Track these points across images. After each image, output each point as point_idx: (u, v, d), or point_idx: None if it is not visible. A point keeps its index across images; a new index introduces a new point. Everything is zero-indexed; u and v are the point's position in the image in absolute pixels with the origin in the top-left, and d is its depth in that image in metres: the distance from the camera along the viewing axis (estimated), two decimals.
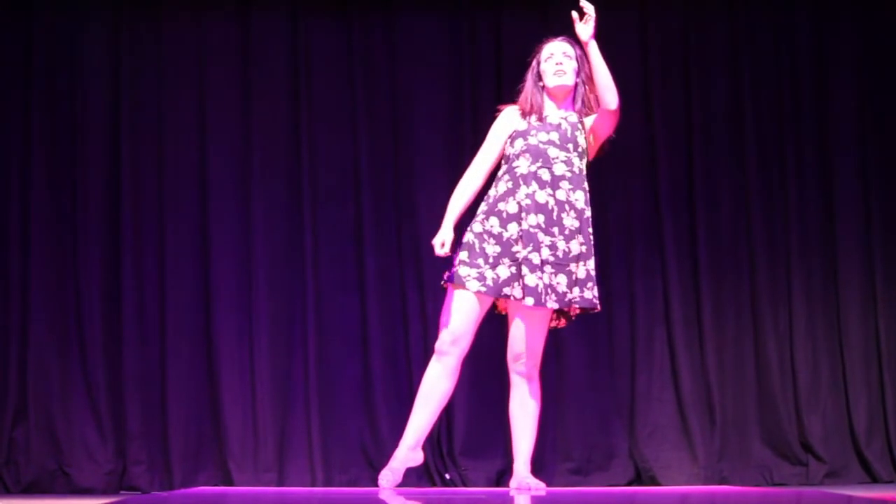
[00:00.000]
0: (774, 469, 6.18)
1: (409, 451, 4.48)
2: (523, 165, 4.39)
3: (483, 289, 4.37)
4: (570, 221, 4.37)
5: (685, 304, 6.30)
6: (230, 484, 6.08)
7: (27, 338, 6.16)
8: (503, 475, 6.08)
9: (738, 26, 6.46)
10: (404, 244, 6.32)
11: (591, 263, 4.41)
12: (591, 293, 4.41)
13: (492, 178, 4.62)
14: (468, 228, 4.56)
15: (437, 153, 6.36)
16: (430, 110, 6.40)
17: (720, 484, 6.07)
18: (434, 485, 6.06)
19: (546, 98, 4.52)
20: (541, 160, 4.38)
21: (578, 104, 4.50)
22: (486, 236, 4.41)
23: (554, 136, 4.41)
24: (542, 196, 4.35)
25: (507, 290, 4.37)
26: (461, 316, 4.41)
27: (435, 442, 6.13)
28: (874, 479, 6.12)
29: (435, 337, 6.16)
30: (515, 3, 6.46)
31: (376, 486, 6.05)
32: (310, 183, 6.32)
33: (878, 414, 6.25)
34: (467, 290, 4.38)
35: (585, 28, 4.44)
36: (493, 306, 4.57)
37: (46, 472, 6.08)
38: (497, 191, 4.46)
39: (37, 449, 6.10)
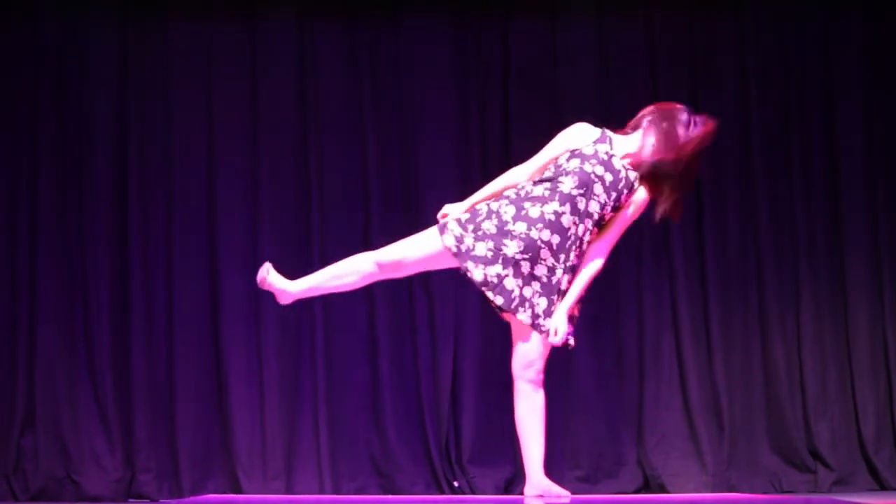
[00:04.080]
0: (783, 476, 6.17)
1: None
2: (567, 184, 4.25)
3: (454, 249, 4.24)
4: (573, 257, 4.31)
5: (693, 312, 6.29)
6: (238, 492, 6.08)
7: (35, 345, 6.16)
8: (511, 483, 6.08)
9: (745, 30, 6.45)
10: None
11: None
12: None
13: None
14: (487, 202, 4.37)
15: (445, 160, 6.36)
16: (438, 117, 6.39)
17: (728, 491, 6.07)
18: (442, 493, 6.06)
19: (636, 143, 4.35)
20: (584, 189, 4.26)
21: (644, 170, 4.32)
22: (493, 215, 4.29)
23: (608, 176, 4.27)
24: (567, 220, 4.27)
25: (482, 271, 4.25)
26: (419, 253, 4.33)
27: (443, 450, 6.14)
28: (882, 487, 6.11)
29: (444, 345, 6.25)
30: (523, 10, 6.46)
31: (384, 493, 6.10)
32: (317, 189, 6.32)
33: (887, 420, 6.24)
34: (441, 238, 4.28)
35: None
36: (499, 309, 4.43)
37: (54, 479, 6.08)
38: (531, 190, 4.30)
39: (45, 456, 6.10)
